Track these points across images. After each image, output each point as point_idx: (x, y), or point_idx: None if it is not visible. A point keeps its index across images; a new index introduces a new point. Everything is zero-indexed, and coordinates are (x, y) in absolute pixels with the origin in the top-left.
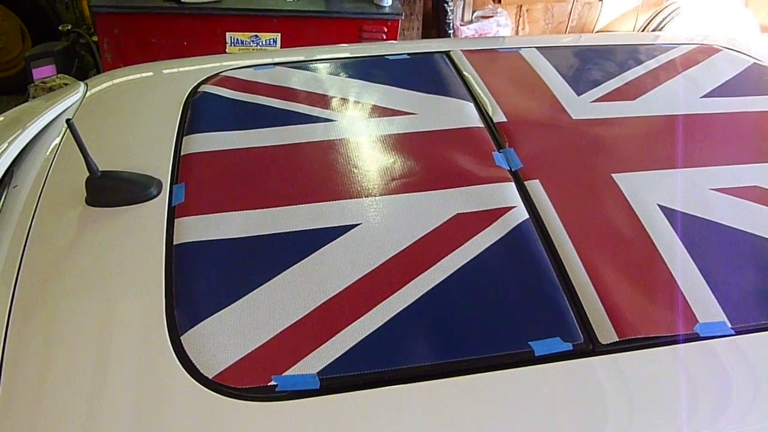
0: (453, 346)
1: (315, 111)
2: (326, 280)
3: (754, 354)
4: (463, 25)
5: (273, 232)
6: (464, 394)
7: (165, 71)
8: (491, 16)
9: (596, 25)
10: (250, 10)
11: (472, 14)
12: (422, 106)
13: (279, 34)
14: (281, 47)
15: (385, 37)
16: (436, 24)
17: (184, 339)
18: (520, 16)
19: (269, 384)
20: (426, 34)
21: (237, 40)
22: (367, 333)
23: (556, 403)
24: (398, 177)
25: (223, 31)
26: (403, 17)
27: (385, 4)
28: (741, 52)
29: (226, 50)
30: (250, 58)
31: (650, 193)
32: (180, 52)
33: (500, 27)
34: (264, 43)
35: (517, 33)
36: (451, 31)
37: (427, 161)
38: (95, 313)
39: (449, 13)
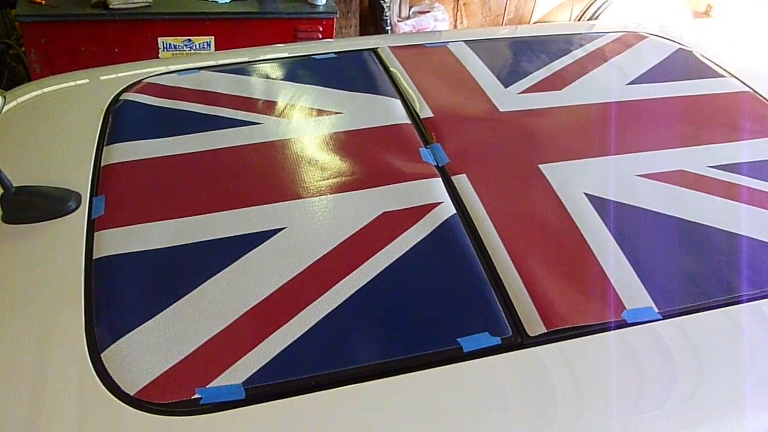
0: (381, 347)
1: (240, 114)
2: (251, 286)
3: (681, 337)
4: (400, 21)
5: (196, 240)
6: (393, 395)
7: (88, 80)
8: (428, 11)
9: (532, 16)
10: (181, 13)
11: (410, 10)
12: (349, 105)
13: (212, 37)
14: (215, 50)
15: (320, 36)
16: (373, 21)
17: (105, 356)
18: (457, 10)
19: (193, 397)
20: (364, 32)
21: (169, 44)
22: (294, 338)
23: (486, 398)
24: (324, 178)
25: (155, 36)
26: (338, 16)
27: (319, 3)
28: (666, 38)
29: (159, 55)
30: (175, 63)
31: (577, 182)
32: (111, 59)
33: (438, 22)
34: (198, 46)
35: (455, 27)
36: (388, 28)
37: (354, 161)
38: (13, 333)
39: (386, 9)
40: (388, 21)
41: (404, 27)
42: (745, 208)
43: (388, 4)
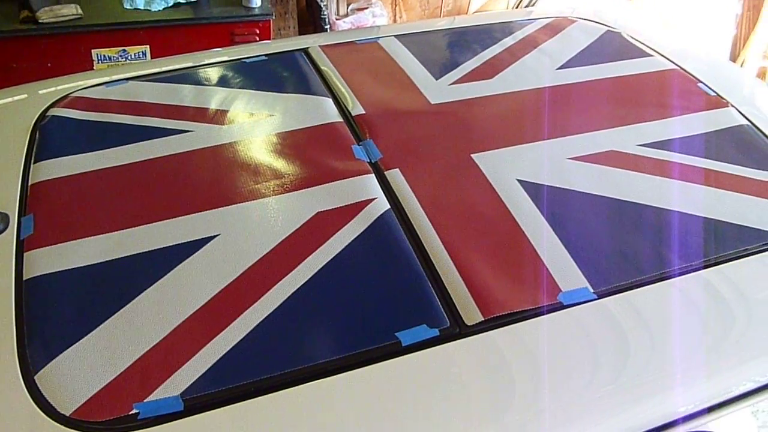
0: (320, 347)
1: (169, 123)
2: (186, 297)
3: (617, 314)
4: (339, 19)
5: (128, 254)
6: (334, 395)
7: (13, 97)
8: (366, 8)
9: (470, 6)
10: (114, 24)
11: (347, 7)
12: (280, 107)
13: (148, 47)
14: (152, 59)
15: (258, 39)
16: (312, 21)
17: (39, 377)
18: (396, 5)
19: (131, 413)
20: (303, 32)
21: (104, 56)
22: (231, 345)
23: (426, 390)
24: (257, 182)
25: (88, 49)
26: (274, 17)
27: (254, 6)
28: (595, 22)
29: (94, 68)
30: (103, 76)
31: (509, 169)
32: (44, 75)
33: (376, 18)
34: (133, 56)
35: (394, 22)
36: (327, 26)
37: (286, 162)
38: None
39: (323, 8)
40: (327, 20)
41: (343, 25)
42: (674, 184)
43: (325, 3)
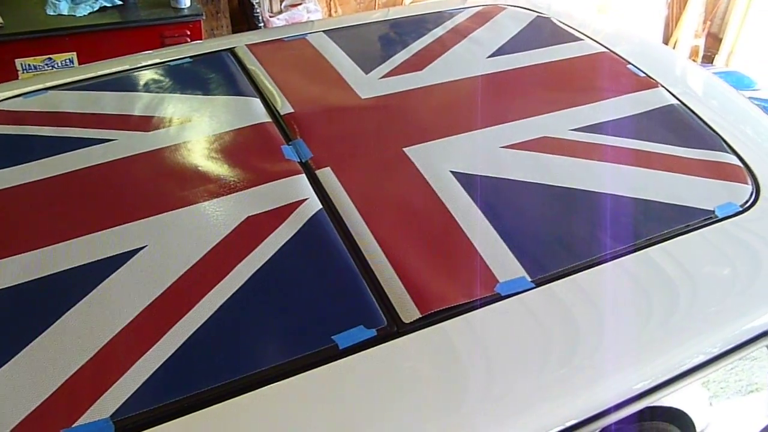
0: (255, 356)
1: (91, 133)
2: (113, 313)
3: (556, 301)
4: (272, 17)
5: (49, 273)
6: (271, 404)
7: None
8: (300, 3)
9: None
10: (38, 32)
11: (281, 4)
12: (206, 110)
13: (75, 53)
14: (74, 67)
15: (189, 40)
16: (245, 19)
17: None
18: (330, 0)
19: None
20: (237, 31)
21: (29, 65)
22: (163, 361)
23: (367, 392)
24: (184, 189)
25: (11, 59)
26: (204, 17)
27: (183, 6)
28: (525, 8)
29: (19, 77)
30: (20, 87)
31: (442, 161)
32: None
33: (310, 13)
34: (60, 64)
35: (329, 16)
36: (261, 24)
37: (214, 167)
38: None
39: (256, 6)
40: (260, 17)
41: (277, 22)
42: (607, 167)
43: (258, 1)
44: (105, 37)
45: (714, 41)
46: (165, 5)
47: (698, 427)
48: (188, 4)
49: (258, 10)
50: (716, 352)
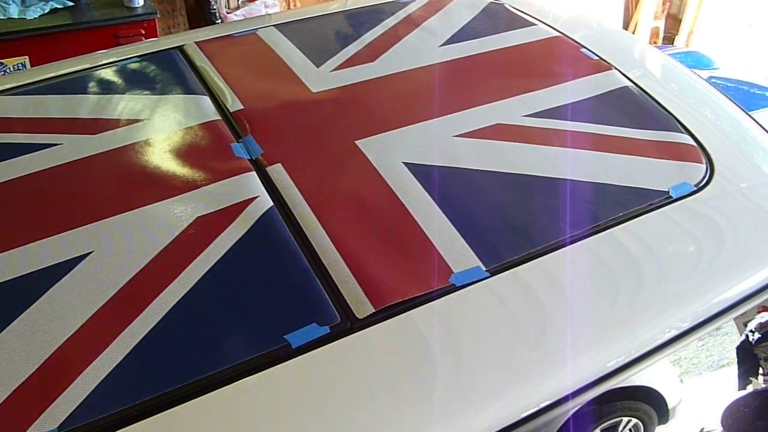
0: (206, 360)
1: (36, 138)
2: (59, 322)
3: (512, 289)
4: (230, 13)
5: None
6: (223, 408)
7: None
8: None
9: None
10: None
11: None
12: (154, 110)
13: (27, 57)
14: (16, 72)
15: (144, 40)
16: (202, 16)
17: None
18: None
19: None
20: (194, 28)
21: None
22: (111, 368)
23: (322, 391)
24: (132, 192)
25: None
26: (159, 16)
27: (136, 5)
28: None
29: None
30: None
31: (395, 152)
32: None
33: (268, 8)
34: (11, 69)
35: (289, 9)
36: (218, 21)
37: (162, 168)
38: None
39: (213, 2)
40: (217, 14)
41: (234, 18)
42: (561, 152)
43: None
44: (57, 40)
45: (674, 22)
46: (118, 5)
47: (670, 404)
48: (142, 2)
49: (215, 7)
50: (685, 326)
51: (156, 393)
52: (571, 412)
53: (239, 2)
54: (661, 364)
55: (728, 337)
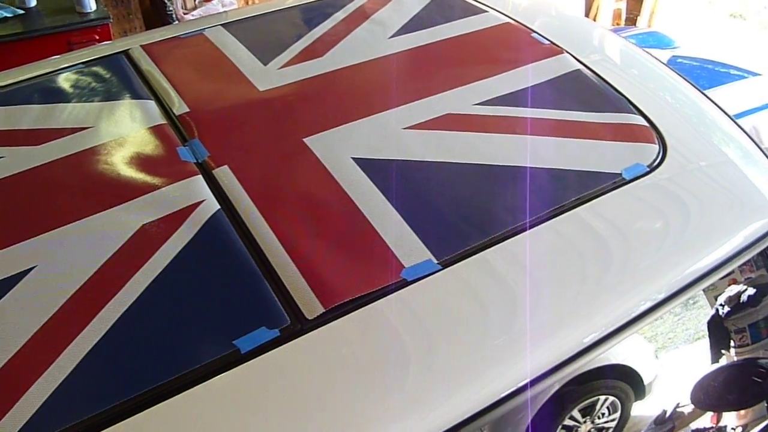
0: (154, 370)
1: None
2: (2, 341)
3: (463, 281)
4: (186, 14)
5: None
6: (173, 418)
7: None
8: None
9: None
10: None
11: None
12: (99, 117)
13: None
14: None
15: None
16: (158, 18)
17: None
18: None
19: None
20: None
21: None
22: (57, 384)
23: (273, 395)
24: (76, 202)
25: None
26: (112, 20)
27: (88, 10)
28: None
29: None
30: None
31: (343, 148)
32: None
33: (225, 7)
34: None
35: (247, 5)
36: (176, 22)
37: (106, 177)
38: None
39: (168, 4)
40: (174, 15)
41: (191, 18)
42: (512, 139)
43: None
44: (9, 49)
45: (636, 3)
46: (70, 11)
47: (646, 380)
48: (94, 7)
49: (171, 9)
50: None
51: (105, 407)
52: (549, 395)
53: (196, 2)
54: (636, 341)
55: (703, 310)
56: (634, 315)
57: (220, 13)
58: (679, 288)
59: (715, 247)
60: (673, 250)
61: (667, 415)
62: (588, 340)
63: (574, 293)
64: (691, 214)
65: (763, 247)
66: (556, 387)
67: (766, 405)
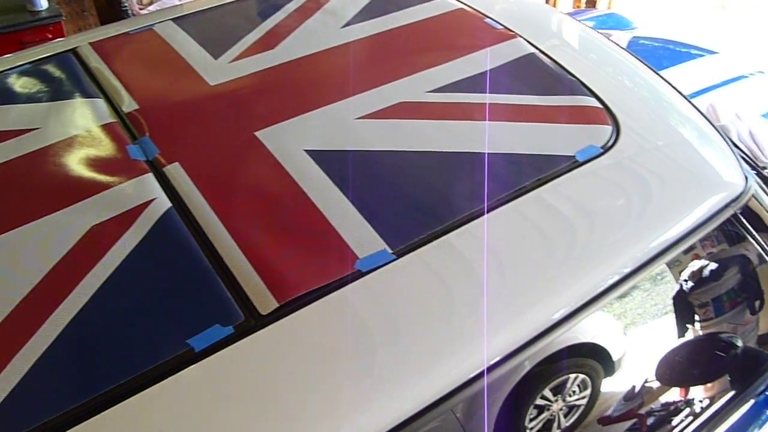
0: (106, 374)
1: None
2: None
3: (420, 269)
4: (142, 9)
5: None
6: (126, 422)
7: None
8: None
9: None
10: None
11: None
12: (46, 118)
13: None
14: None
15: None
16: (114, 15)
17: None
18: None
19: None
20: None
21: None
22: (5, 395)
23: (229, 392)
24: (22, 206)
25: None
26: (64, 18)
27: (39, 9)
28: None
29: None
30: None
31: (296, 141)
32: None
33: (182, 1)
34: None
35: None
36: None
37: (54, 179)
38: None
39: (123, 0)
40: (129, 11)
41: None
42: (465, 125)
43: None
44: None
45: None
46: (20, 9)
47: (615, 356)
48: (45, 5)
49: (126, 4)
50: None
51: (58, 412)
52: (520, 375)
53: None
54: (605, 319)
55: (671, 285)
56: (602, 289)
57: (172, 7)
58: (644, 261)
59: (675, 222)
60: (636, 227)
61: (636, 390)
62: (558, 316)
63: (541, 270)
64: (650, 191)
65: (720, 221)
66: (528, 367)
67: (728, 379)
